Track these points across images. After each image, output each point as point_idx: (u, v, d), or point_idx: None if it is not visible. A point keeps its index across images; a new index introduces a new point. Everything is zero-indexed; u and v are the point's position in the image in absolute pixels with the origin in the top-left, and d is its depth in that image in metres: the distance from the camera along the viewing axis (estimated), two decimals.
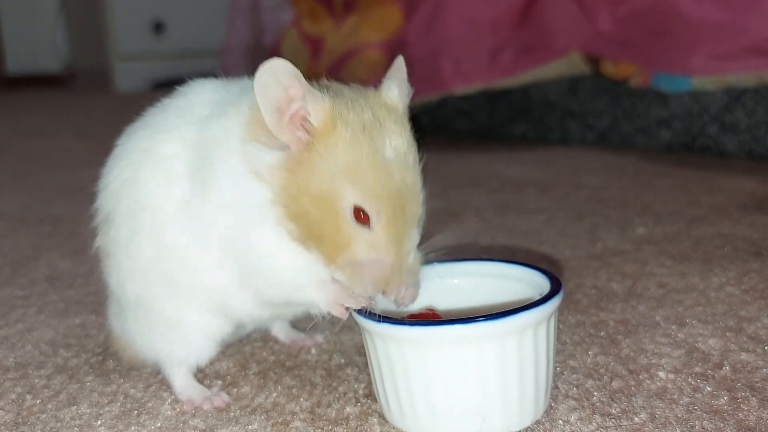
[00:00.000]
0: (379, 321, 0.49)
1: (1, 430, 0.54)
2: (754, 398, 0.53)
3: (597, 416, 0.52)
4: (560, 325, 0.68)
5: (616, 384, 0.56)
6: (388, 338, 0.49)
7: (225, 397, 0.57)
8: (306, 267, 0.51)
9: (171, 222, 0.54)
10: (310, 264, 0.51)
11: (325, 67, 2.02)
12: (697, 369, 0.58)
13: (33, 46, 4.54)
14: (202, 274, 0.54)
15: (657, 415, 0.51)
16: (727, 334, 0.65)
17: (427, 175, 0.53)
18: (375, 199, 0.48)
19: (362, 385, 0.59)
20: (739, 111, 1.43)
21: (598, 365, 0.60)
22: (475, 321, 0.47)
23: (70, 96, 3.90)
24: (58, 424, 0.54)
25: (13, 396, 0.59)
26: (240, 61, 2.74)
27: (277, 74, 0.47)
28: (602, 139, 1.68)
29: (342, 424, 0.53)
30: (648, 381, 0.57)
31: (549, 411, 0.53)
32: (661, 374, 0.58)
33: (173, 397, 0.58)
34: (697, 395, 0.54)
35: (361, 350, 0.66)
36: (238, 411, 0.56)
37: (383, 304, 0.53)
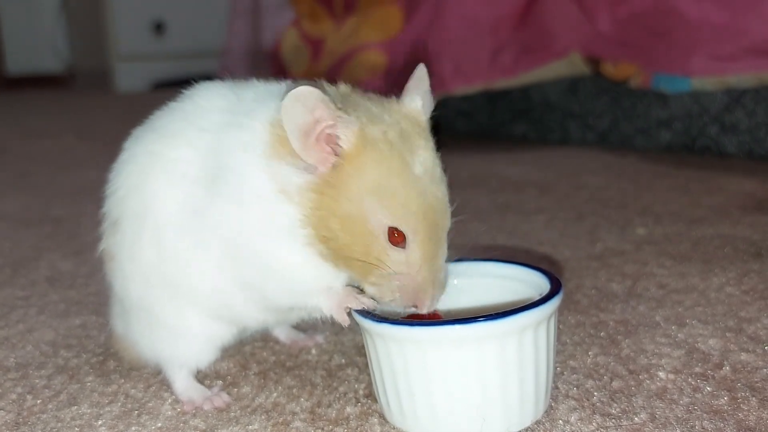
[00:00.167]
0: (379, 321, 0.49)
1: (2, 430, 0.54)
2: (754, 398, 0.53)
3: (597, 416, 0.52)
4: (560, 326, 0.68)
5: (616, 384, 0.57)
6: (389, 338, 0.50)
7: (225, 397, 0.58)
8: (317, 274, 0.51)
9: (173, 225, 0.54)
10: (321, 271, 0.51)
11: (325, 68, 2.03)
12: (697, 369, 0.58)
13: (33, 47, 4.55)
14: (203, 279, 0.54)
15: (657, 415, 0.51)
16: (727, 334, 0.65)
17: None
18: (410, 219, 0.48)
19: (362, 386, 0.59)
20: (739, 112, 1.43)
21: (598, 365, 0.60)
22: (475, 321, 0.47)
23: (70, 96, 3.90)
24: (59, 424, 0.54)
25: (14, 396, 0.59)
26: (240, 62, 2.74)
27: (304, 100, 0.47)
28: (602, 140, 1.68)
29: (342, 424, 0.53)
30: (648, 381, 0.57)
31: (549, 411, 0.53)
32: (661, 374, 0.58)
33: (174, 397, 0.58)
34: (697, 395, 0.54)
35: (362, 350, 0.66)
36: (239, 411, 0.56)
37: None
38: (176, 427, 0.54)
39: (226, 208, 0.51)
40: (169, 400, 0.58)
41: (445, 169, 0.52)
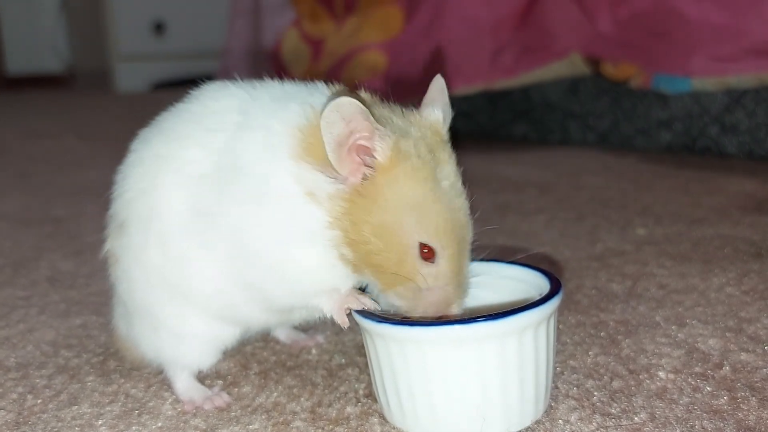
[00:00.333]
0: (379, 322, 0.50)
1: (3, 430, 0.54)
2: (753, 398, 0.53)
3: (597, 416, 0.52)
4: (560, 326, 0.68)
5: (616, 384, 0.57)
6: (389, 339, 0.50)
7: (226, 397, 0.58)
8: (329, 276, 0.52)
9: (179, 226, 0.54)
10: (333, 274, 0.51)
11: (325, 68, 2.03)
12: (697, 369, 0.58)
13: (34, 47, 4.55)
14: (206, 280, 0.54)
15: (657, 415, 0.51)
16: (727, 334, 0.65)
17: None
18: (440, 235, 0.49)
19: (363, 385, 0.59)
20: (740, 112, 1.43)
21: (598, 365, 0.60)
22: (476, 321, 0.47)
23: (70, 96, 3.90)
24: (60, 424, 0.55)
25: (15, 396, 0.59)
26: (241, 62, 2.74)
27: (343, 111, 0.47)
28: (603, 140, 1.68)
29: (342, 423, 0.53)
30: (648, 381, 0.57)
31: (549, 411, 0.53)
32: (661, 374, 0.58)
33: (174, 396, 0.59)
34: (696, 395, 0.54)
35: (362, 350, 0.66)
36: (239, 411, 0.56)
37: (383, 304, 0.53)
38: (177, 427, 0.54)
39: (241, 208, 0.51)
40: (170, 400, 0.58)
41: (465, 179, 0.53)
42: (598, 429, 0.50)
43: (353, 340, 0.68)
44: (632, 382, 0.57)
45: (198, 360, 0.59)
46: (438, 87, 0.55)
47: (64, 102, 3.59)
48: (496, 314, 0.48)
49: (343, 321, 0.52)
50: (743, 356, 0.60)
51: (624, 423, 0.51)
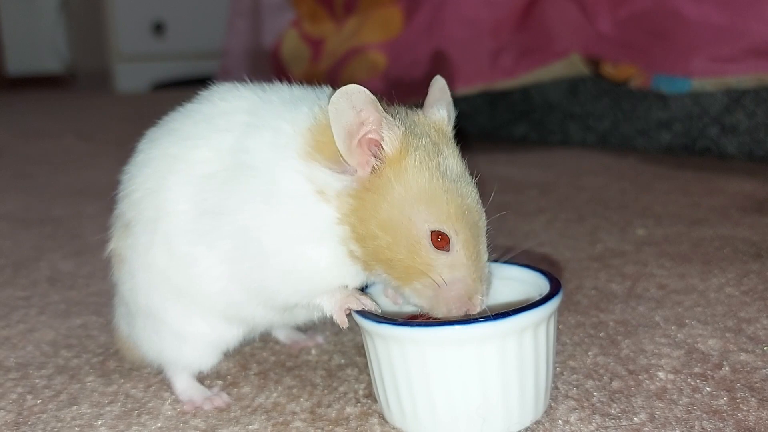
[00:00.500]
0: (379, 322, 0.50)
1: (3, 430, 0.54)
2: (753, 398, 0.53)
3: (597, 416, 0.52)
4: (560, 326, 0.68)
5: (615, 384, 0.57)
6: (389, 339, 0.50)
7: (225, 397, 0.58)
8: (337, 275, 0.52)
9: (184, 226, 0.54)
10: (342, 272, 0.52)
11: (325, 68, 2.03)
12: (696, 369, 0.58)
13: (33, 47, 4.55)
14: (209, 279, 0.54)
15: (657, 416, 0.52)
16: (727, 334, 0.65)
17: None
18: (452, 220, 0.49)
19: (362, 386, 0.59)
20: (740, 113, 1.43)
21: (597, 366, 0.60)
22: (476, 322, 0.47)
23: (70, 97, 3.90)
24: (59, 424, 0.55)
25: (14, 396, 0.59)
26: (240, 63, 2.74)
27: (353, 99, 0.47)
28: (602, 141, 1.68)
29: (342, 424, 0.53)
30: (648, 381, 0.57)
31: (549, 411, 0.53)
32: (661, 374, 0.58)
33: (174, 397, 0.59)
34: (696, 395, 0.54)
35: (362, 351, 0.66)
36: (239, 411, 0.56)
37: (383, 305, 0.53)
38: (176, 427, 0.54)
39: (250, 207, 0.51)
40: (170, 400, 0.58)
41: (473, 175, 0.53)
42: (597, 429, 0.50)
43: (353, 340, 0.68)
44: (632, 383, 0.57)
45: (200, 361, 0.59)
46: (439, 87, 0.55)
47: (64, 102, 3.59)
48: (496, 315, 0.48)
49: (342, 321, 0.52)
50: (743, 356, 0.60)
51: (624, 423, 0.51)
